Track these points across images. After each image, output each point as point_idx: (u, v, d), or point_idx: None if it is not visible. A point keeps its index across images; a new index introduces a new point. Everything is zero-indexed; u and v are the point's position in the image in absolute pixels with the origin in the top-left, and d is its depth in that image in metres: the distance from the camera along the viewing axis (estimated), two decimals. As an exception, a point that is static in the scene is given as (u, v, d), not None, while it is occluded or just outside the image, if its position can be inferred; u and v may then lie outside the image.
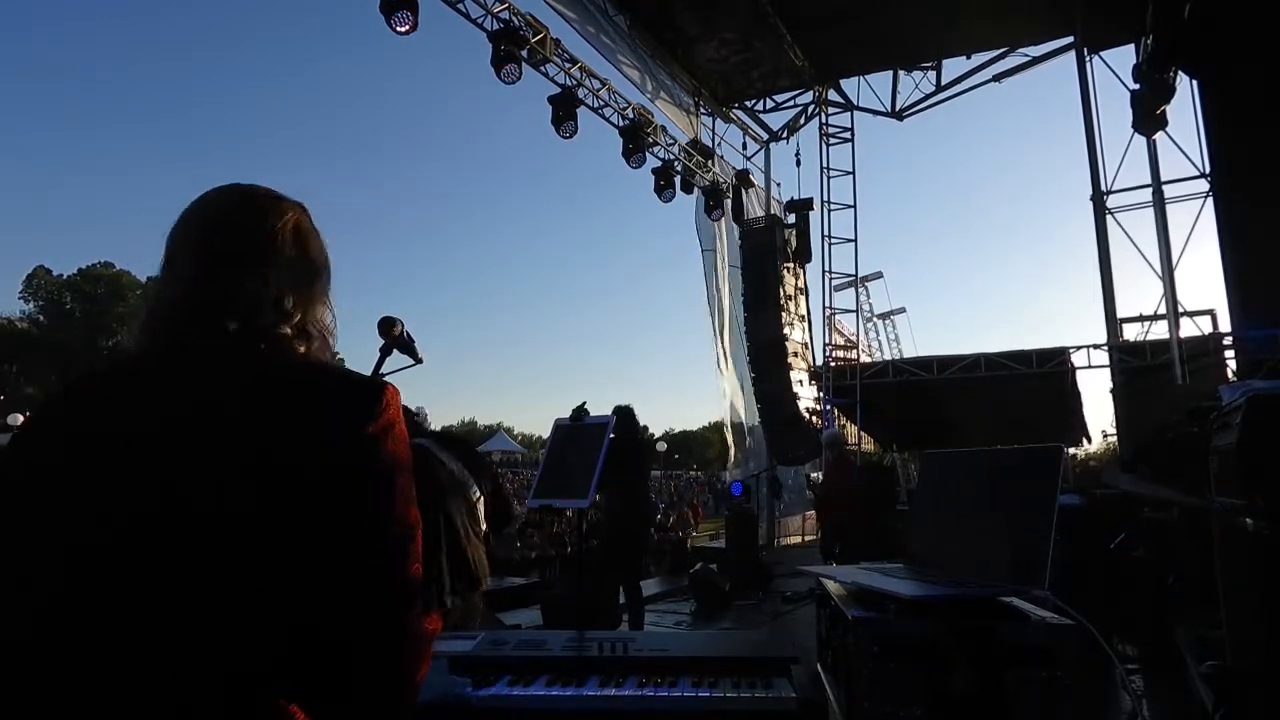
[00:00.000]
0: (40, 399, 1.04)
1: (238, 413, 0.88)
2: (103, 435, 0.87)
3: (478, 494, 3.26)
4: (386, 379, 1.00)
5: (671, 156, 11.23)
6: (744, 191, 12.90)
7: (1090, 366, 10.94)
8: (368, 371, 2.15)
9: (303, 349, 0.98)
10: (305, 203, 1.07)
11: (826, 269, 12.94)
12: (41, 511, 0.85)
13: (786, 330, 12.67)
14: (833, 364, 13.17)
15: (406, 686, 0.91)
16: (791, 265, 13.26)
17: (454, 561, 3.04)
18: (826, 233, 12.92)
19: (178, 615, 0.80)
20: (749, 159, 13.77)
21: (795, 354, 12.82)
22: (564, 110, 9.07)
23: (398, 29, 6.98)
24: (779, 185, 14.28)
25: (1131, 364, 10.09)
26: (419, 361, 2.24)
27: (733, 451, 13.44)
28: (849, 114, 13.14)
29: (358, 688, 0.87)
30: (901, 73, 12.67)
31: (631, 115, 10.15)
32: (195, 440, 0.86)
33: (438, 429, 4.17)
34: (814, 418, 12.70)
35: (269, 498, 0.83)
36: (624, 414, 5.31)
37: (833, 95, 13.16)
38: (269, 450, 0.86)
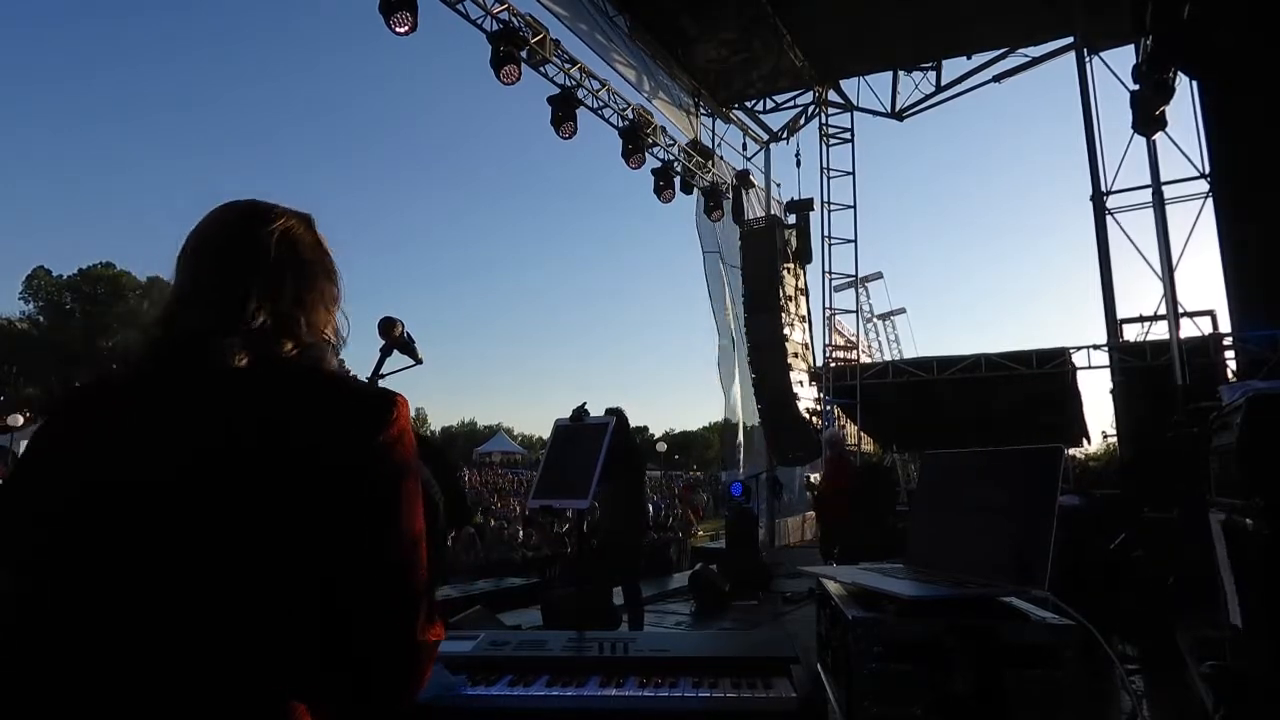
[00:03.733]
0: (44, 406, 1.01)
1: (242, 427, 0.88)
2: (105, 461, 0.87)
3: (440, 495, 3.27)
4: (397, 391, 1.01)
5: (671, 157, 11.23)
6: (744, 192, 12.89)
7: (1090, 367, 10.93)
8: (367, 373, 2.15)
9: (292, 350, 0.97)
10: (310, 211, 1.07)
11: (826, 269, 12.95)
12: (53, 516, 0.86)
13: (787, 331, 12.66)
14: (833, 364, 13.17)
15: (408, 690, 0.92)
16: (791, 266, 13.25)
17: None
18: (826, 233, 12.92)
19: (190, 619, 0.81)
20: (749, 159, 13.76)
21: (795, 354, 12.81)
22: (563, 111, 9.07)
23: (397, 30, 6.98)
24: (779, 185, 14.28)
25: (1131, 364, 10.08)
26: (419, 362, 2.23)
27: (742, 451, 13.43)
28: (849, 114, 13.13)
29: (361, 689, 0.89)
30: (901, 73, 12.66)
31: (631, 116, 10.14)
32: (197, 460, 0.86)
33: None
34: (814, 418, 12.69)
35: (278, 507, 0.84)
36: (615, 417, 5.31)
37: (833, 96, 13.16)
38: (276, 463, 0.86)
